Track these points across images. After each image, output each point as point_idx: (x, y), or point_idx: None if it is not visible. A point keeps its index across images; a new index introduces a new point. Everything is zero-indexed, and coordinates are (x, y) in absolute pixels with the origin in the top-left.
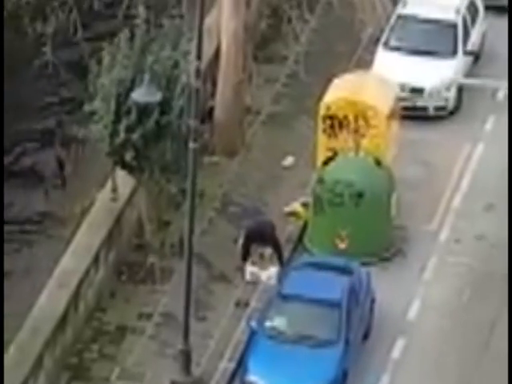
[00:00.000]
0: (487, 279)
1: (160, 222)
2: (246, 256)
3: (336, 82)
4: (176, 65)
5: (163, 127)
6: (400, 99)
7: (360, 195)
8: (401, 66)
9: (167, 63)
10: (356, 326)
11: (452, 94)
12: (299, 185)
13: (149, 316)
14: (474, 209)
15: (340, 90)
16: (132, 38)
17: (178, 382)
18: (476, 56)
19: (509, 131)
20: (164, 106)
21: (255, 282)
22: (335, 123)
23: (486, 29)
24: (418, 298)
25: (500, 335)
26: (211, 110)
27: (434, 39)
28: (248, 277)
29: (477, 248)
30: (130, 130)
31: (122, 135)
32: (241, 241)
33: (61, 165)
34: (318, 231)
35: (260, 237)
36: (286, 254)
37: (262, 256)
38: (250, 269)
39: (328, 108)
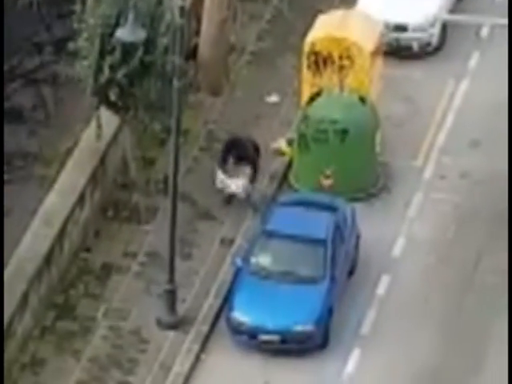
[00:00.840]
0: (471, 215)
1: (145, 160)
2: (221, 164)
3: (320, 19)
4: (160, 2)
5: (148, 65)
6: (384, 36)
7: (344, 132)
8: (385, 2)
9: (151, 1)
10: (341, 263)
11: (436, 31)
12: (284, 122)
13: (134, 254)
14: (458, 146)
15: (324, 28)
16: None
17: (164, 321)
18: None
19: (509, 131)
20: (148, 44)
21: (223, 191)
22: (320, 60)
23: None
24: (402, 234)
25: (484, 271)
26: (196, 48)
27: None
28: (218, 184)
29: (461, 184)
30: (114, 68)
31: (107, 73)
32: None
33: (44, 103)
34: (303, 169)
35: (240, 150)
36: (271, 191)
37: (236, 168)
38: (220, 176)
39: (312, 45)
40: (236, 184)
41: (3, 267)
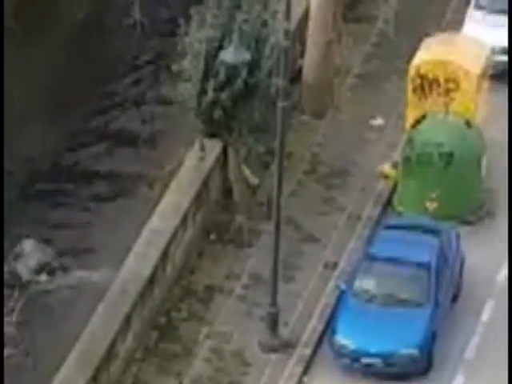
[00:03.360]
0: None
1: (248, 182)
2: None
3: (426, 41)
4: (265, 24)
5: (252, 87)
6: (492, 62)
7: (450, 156)
8: (491, 25)
9: (256, 23)
10: (445, 288)
11: None
12: (388, 146)
13: (237, 277)
14: None
15: (430, 51)
16: None
17: (266, 344)
18: None
19: (509, 131)
20: (252, 66)
21: None
22: (425, 84)
23: None
24: (507, 259)
25: None
26: (300, 70)
27: None
28: None
29: None
30: (218, 89)
31: (211, 94)
32: None
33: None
34: (408, 193)
35: None
36: (375, 214)
37: None
38: None
39: (418, 68)
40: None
41: (3, 266)
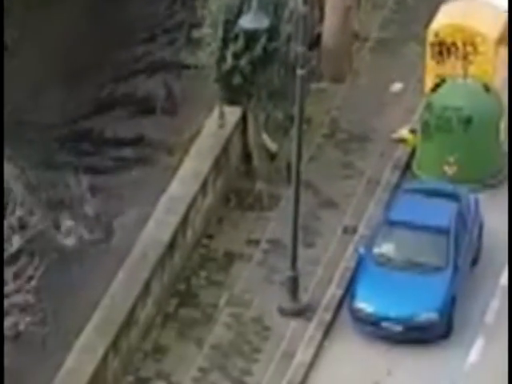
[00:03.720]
0: None
1: (268, 148)
2: None
3: (444, 7)
4: None
5: (270, 53)
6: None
7: (468, 120)
8: None
9: None
10: (464, 252)
11: None
12: (407, 111)
13: (256, 242)
14: None
15: (448, 16)
16: None
17: (286, 308)
18: None
19: (509, 129)
20: (271, 32)
21: None
22: (443, 49)
23: None
24: None
25: None
26: (319, 36)
27: None
28: None
29: None
30: (237, 56)
31: (230, 61)
32: None
33: (169, 91)
34: (426, 157)
35: None
36: (394, 178)
37: None
38: None
39: (436, 34)
40: None
41: (3, 266)
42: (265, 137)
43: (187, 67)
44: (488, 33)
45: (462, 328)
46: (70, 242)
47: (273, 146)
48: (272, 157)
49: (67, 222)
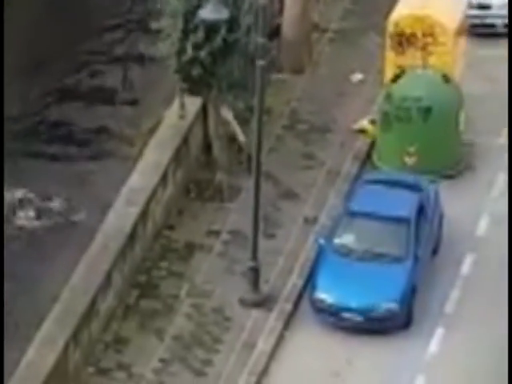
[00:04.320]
0: None
1: (228, 138)
2: None
3: None
4: None
5: (230, 44)
6: (468, 16)
7: (428, 111)
8: None
9: None
10: (425, 242)
11: None
12: (367, 101)
13: (217, 233)
14: None
15: (408, 7)
16: None
17: (247, 299)
18: None
19: (509, 128)
20: (231, 24)
21: None
22: (403, 40)
23: None
24: (486, 213)
25: None
26: (279, 27)
27: None
28: None
29: None
30: (197, 47)
31: (190, 52)
32: None
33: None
34: (387, 148)
35: None
36: (354, 169)
37: None
38: None
39: (396, 25)
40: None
41: (3, 266)
42: (236, 128)
43: (147, 58)
44: (447, 23)
45: (422, 318)
46: (29, 224)
47: (242, 137)
48: (239, 148)
49: (27, 210)
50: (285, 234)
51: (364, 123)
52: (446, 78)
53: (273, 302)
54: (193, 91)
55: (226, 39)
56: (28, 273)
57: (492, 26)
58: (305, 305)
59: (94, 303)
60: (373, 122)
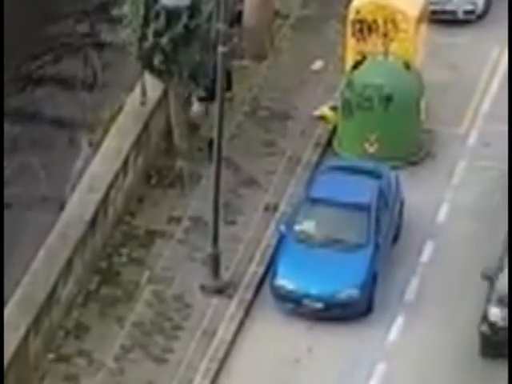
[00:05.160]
0: None
1: (189, 126)
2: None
3: None
4: None
5: (192, 31)
6: (429, 3)
7: (389, 98)
8: None
9: None
10: (385, 229)
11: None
12: (328, 88)
13: (178, 220)
14: (502, 112)
15: None
16: None
17: (207, 286)
18: None
19: (509, 128)
20: (193, 10)
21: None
22: (364, 27)
23: None
24: (446, 201)
25: None
26: (240, 14)
27: None
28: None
29: (505, 151)
30: (158, 34)
31: (151, 39)
32: None
33: (91, 69)
34: (347, 135)
35: None
36: (315, 156)
37: None
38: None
39: (357, 12)
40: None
41: (3, 265)
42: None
43: (109, 45)
44: (409, 10)
45: (383, 305)
46: None
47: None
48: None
49: None
50: (245, 221)
51: (324, 109)
52: (408, 66)
53: (233, 289)
54: (154, 77)
55: (187, 26)
56: None
57: (453, 12)
58: (265, 292)
59: (54, 290)
60: (333, 108)
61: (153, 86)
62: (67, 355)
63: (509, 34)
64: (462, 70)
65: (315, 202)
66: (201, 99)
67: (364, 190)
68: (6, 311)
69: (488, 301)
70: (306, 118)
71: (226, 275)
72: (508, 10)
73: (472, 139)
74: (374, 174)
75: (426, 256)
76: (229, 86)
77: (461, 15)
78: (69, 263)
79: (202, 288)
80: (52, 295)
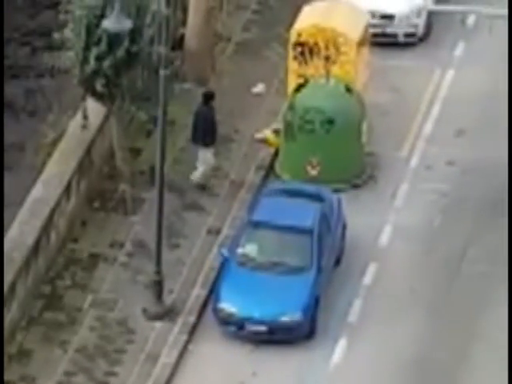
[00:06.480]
0: (458, 205)
1: (131, 150)
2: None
3: (306, 8)
4: None
5: (134, 55)
6: (370, 26)
7: (331, 122)
8: None
9: None
10: (328, 253)
11: (422, 21)
12: (270, 112)
13: (121, 244)
14: (444, 135)
15: (310, 17)
16: None
17: (150, 311)
18: None
19: (509, 122)
20: (134, 34)
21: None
22: (306, 50)
23: None
24: (389, 224)
25: (470, 260)
26: (182, 38)
27: None
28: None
29: (448, 174)
30: (100, 58)
31: (93, 63)
32: None
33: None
34: (289, 158)
35: None
36: (257, 181)
37: None
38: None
39: (299, 35)
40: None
41: (3, 265)
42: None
43: (51, 69)
44: (350, 33)
45: (326, 328)
46: None
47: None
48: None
49: None
50: (189, 245)
51: (266, 132)
52: (349, 89)
53: (176, 314)
54: (96, 102)
55: (129, 50)
56: None
57: (394, 35)
58: (209, 316)
59: None
60: (276, 131)
61: (95, 110)
62: (11, 381)
63: (509, 38)
64: (403, 92)
65: (257, 225)
66: (205, 144)
67: (306, 214)
68: None
69: None
70: (249, 141)
71: (169, 299)
72: (508, 10)
73: (414, 162)
74: (317, 197)
75: (368, 278)
76: (213, 137)
77: (402, 38)
78: (12, 288)
79: (146, 312)
80: None
